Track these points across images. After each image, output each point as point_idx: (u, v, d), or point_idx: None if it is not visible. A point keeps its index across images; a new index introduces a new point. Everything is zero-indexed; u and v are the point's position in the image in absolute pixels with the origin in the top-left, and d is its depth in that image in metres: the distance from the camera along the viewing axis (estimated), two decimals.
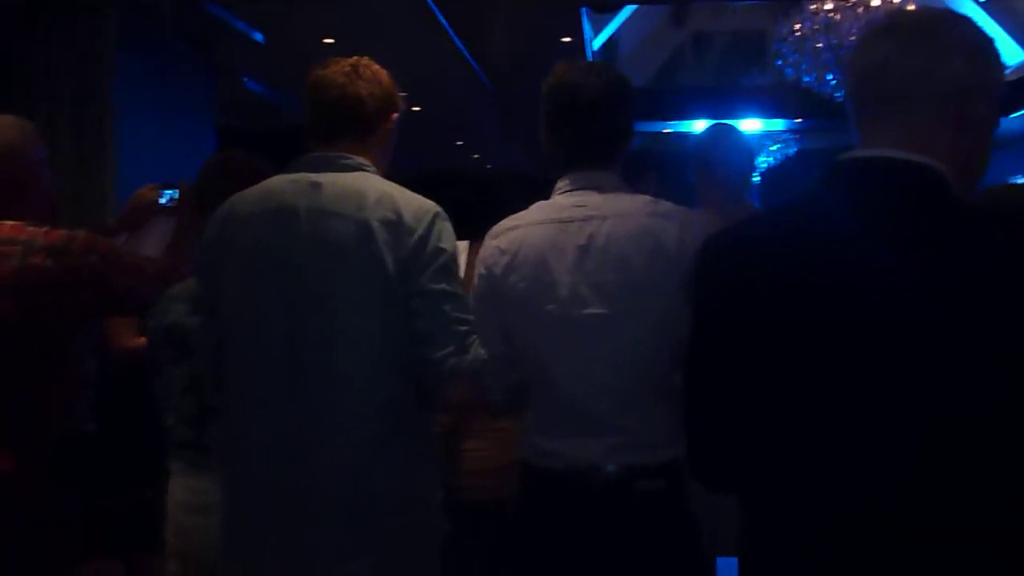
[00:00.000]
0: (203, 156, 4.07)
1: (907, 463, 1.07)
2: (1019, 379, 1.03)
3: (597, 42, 7.50)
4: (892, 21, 1.22)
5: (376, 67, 1.88)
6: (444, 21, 5.84)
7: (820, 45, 6.38)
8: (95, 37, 4.47)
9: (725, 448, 1.25)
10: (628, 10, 8.19)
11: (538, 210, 1.85)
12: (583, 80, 1.82)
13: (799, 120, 10.20)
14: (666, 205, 1.81)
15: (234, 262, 1.79)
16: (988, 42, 1.21)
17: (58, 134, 4.41)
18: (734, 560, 1.43)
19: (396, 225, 1.71)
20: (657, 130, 9.88)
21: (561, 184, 1.85)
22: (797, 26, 6.57)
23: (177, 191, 2.57)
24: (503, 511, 2.06)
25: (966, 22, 1.22)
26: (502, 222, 1.88)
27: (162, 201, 2.57)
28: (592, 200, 1.80)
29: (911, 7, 6.43)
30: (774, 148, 11.10)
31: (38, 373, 2.18)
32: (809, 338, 1.13)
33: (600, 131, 1.83)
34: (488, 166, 11.69)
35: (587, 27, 6.55)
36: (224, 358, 1.81)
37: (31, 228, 2.16)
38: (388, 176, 1.89)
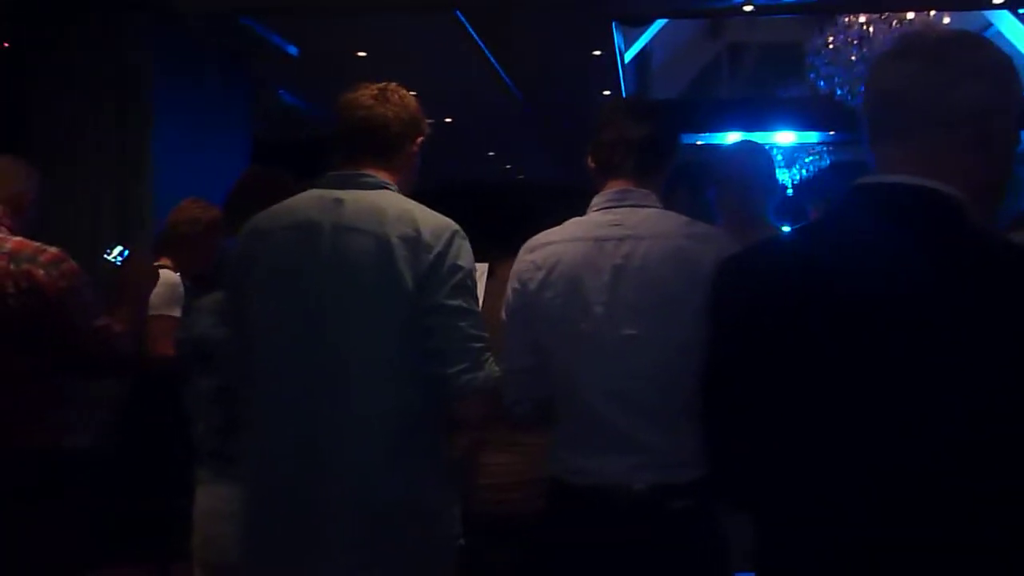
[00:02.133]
0: (239, 166, 4.13)
1: (920, 482, 1.06)
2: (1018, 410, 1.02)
3: (629, 54, 7.48)
4: (904, 47, 1.20)
5: (404, 92, 1.91)
6: (475, 35, 5.88)
7: (854, 58, 6.35)
8: (135, 50, 4.57)
9: (743, 468, 1.25)
10: (661, 22, 8.16)
11: (574, 226, 1.84)
12: (629, 102, 1.86)
13: (832, 132, 10.11)
14: (703, 227, 1.80)
15: (258, 276, 1.82)
16: (1005, 62, 1.20)
17: (100, 145, 4.51)
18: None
19: (414, 241, 1.73)
20: (690, 142, 9.83)
21: (597, 200, 1.84)
22: (831, 39, 6.54)
23: (127, 250, 2.61)
24: (523, 525, 2.07)
25: (981, 43, 1.20)
26: (537, 236, 1.86)
27: (110, 258, 2.60)
28: (629, 219, 1.78)
29: (946, 19, 6.36)
30: (808, 160, 11.02)
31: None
32: (820, 361, 1.13)
33: (639, 145, 1.82)
34: (520, 176, 11.72)
35: (618, 39, 6.54)
36: (247, 370, 1.85)
37: (2, 236, 2.30)
38: (417, 186, 1.92)
